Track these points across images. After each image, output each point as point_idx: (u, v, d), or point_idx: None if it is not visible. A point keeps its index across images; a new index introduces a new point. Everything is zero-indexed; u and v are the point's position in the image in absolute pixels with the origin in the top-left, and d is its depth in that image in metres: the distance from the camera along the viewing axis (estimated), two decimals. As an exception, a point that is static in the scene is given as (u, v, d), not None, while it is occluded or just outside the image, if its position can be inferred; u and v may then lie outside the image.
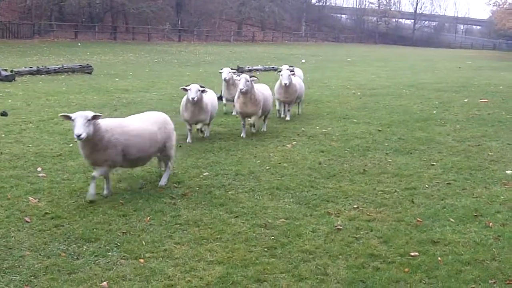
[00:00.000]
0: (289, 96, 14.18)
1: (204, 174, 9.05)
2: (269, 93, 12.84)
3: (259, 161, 9.95)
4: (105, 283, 5.29)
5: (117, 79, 23.58)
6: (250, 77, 11.76)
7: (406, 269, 5.71)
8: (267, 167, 9.55)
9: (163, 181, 8.48)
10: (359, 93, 20.56)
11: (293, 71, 14.64)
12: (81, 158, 9.73)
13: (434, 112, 16.13)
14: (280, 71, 14.40)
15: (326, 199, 7.95)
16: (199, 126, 11.38)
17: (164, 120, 8.47)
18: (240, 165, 9.64)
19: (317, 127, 13.31)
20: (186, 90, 10.80)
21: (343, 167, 9.65)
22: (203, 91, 10.79)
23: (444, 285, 5.40)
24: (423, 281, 5.49)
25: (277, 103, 14.58)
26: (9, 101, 16.00)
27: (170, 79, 24.55)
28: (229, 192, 8.18)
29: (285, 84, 13.77)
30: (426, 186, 8.64)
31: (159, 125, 8.26)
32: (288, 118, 14.47)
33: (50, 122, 13.07)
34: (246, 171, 9.29)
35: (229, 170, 9.33)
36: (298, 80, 14.78)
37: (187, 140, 11.36)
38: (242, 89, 11.54)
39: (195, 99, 10.60)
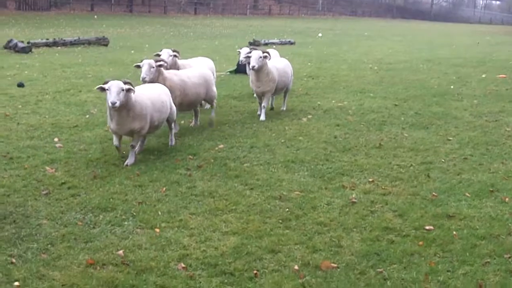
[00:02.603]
0: (262, 86, 11.07)
1: (220, 146, 9.07)
2: (200, 80, 10.08)
3: (274, 134, 9.94)
4: (121, 251, 5.35)
5: (132, 51, 23.57)
6: (156, 61, 9.30)
7: (421, 243, 5.71)
8: (282, 141, 9.54)
9: None
10: (376, 68, 20.41)
11: (268, 53, 11.02)
12: (98, 129, 9.83)
13: (451, 87, 15.98)
14: (249, 52, 10.98)
15: (341, 172, 7.94)
16: (133, 142, 8.17)
17: None
18: (255, 138, 9.64)
19: (333, 101, 13.25)
20: (104, 90, 7.65)
21: (359, 141, 9.62)
22: (128, 90, 7.63)
23: (458, 259, 5.39)
24: (438, 255, 5.48)
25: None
26: (26, 72, 16.08)
27: (185, 52, 24.41)
28: (244, 165, 8.19)
29: (253, 67, 10.67)
30: (442, 160, 8.59)
31: None
32: (262, 117, 11.25)
33: (67, 93, 13.13)
34: (261, 144, 9.29)
35: (244, 142, 9.34)
36: (279, 64, 11.67)
37: (126, 163, 8.06)
38: (144, 77, 9.13)
39: (116, 104, 7.47)
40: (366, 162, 8.43)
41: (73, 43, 24.65)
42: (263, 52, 10.83)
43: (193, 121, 10.64)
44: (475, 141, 9.73)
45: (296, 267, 5.15)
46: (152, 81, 9.11)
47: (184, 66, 11.18)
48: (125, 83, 7.59)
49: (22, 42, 21.90)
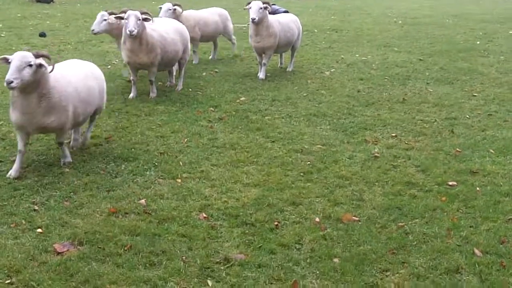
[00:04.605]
0: (262, 41, 10.11)
1: (241, 99, 9.01)
2: (177, 36, 9.09)
3: (296, 88, 9.84)
4: (143, 200, 5.38)
5: (153, 2, 23.33)
6: (142, 13, 8.17)
7: (444, 198, 5.66)
8: (305, 94, 9.45)
9: None
10: (400, 22, 20.01)
11: (268, 3, 9.92)
12: (120, 80, 9.81)
13: (478, 43, 15.62)
14: (249, 3, 9.89)
15: (364, 126, 7.86)
16: (59, 138, 6.11)
17: None
18: (277, 91, 9.55)
19: (357, 55, 13.04)
20: (7, 61, 5.44)
21: (382, 96, 9.49)
22: (40, 66, 5.43)
23: (481, 215, 5.34)
24: (460, 210, 5.44)
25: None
26: (48, 22, 16.04)
27: (209, 4, 24.21)
28: (266, 117, 8.14)
29: (253, 19, 9.74)
30: (467, 116, 8.46)
31: None
32: (261, 75, 10.40)
33: (88, 43, 13.09)
34: (283, 97, 9.21)
35: (266, 95, 9.26)
36: (283, 19, 10.70)
37: (9, 173, 5.83)
38: (132, 31, 7.98)
39: (13, 84, 5.27)
40: (389, 116, 8.33)
41: (94, -6, 24.47)
42: (264, 3, 9.78)
43: (168, 80, 9.87)
44: (500, 98, 9.55)
45: (317, 219, 5.15)
46: (138, 35, 8.14)
47: (189, 17, 10.80)
48: (37, 56, 5.48)
49: (44, -9, 21.78)
